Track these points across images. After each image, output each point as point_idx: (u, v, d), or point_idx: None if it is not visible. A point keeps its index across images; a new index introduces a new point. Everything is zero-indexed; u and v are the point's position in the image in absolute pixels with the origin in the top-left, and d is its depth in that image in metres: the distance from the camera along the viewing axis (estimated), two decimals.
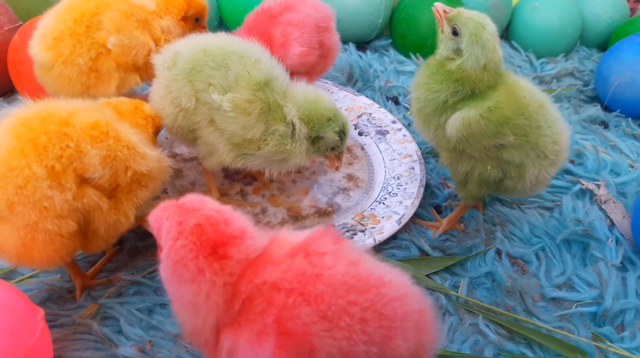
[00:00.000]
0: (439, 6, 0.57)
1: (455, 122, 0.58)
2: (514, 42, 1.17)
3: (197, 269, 0.38)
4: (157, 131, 0.60)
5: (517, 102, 0.56)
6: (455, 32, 0.56)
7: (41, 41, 0.65)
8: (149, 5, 0.71)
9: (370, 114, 0.87)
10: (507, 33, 1.19)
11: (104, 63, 0.66)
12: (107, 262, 0.61)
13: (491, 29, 0.57)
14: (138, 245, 0.63)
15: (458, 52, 0.56)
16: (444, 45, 0.57)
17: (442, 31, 0.57)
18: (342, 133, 0.62)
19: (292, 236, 0.42)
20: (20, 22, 0.85)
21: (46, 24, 0.65)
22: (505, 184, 0.60)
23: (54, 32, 0.64)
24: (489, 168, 0.59)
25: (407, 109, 0.93)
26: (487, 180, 0.60)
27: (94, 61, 0.66)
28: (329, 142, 0.62)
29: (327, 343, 0.36)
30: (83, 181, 0.49)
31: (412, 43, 1.05)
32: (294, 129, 0.59)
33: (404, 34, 1.06)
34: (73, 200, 0.48)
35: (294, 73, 0.70)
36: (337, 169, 0.67)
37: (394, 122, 0.85)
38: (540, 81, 1.08)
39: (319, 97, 0.62)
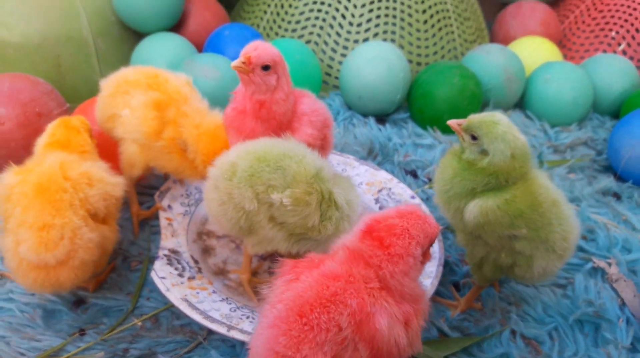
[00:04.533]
0: (452, 122, 0.63)
1: (474, 209, 0.62)
2: (528, 112, 1.22)
3: None
4: (91, 135, 0.73)
5: (533, 198, 0.61)
6: (474, 137, 0.62)
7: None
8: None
9: (390, 188, 0.92)
10: (521, 103, 1.25)
11: None
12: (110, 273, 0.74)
13: (504, 122, 0.62)
14: (175, 323, 0.69)
15: (484, 152, 0.61)
16: (469, 151, 0.63)
17: (464, 139, 0.62)
18: None
19: None
20: (68, 105, 0.93)
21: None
22: (515, 272, 0.64)
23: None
24: (502, 255, 0.63)
25: (425, 182, 0.98)
26: (500, 266, 0.65)
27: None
28: None
29: None
30: (92, 217, 0.64)
31: (429, 117, 1.11)
32: (344, 211, 0.65)
33: (422, 109, 1.12)
34: (96, 234, 0.63)
35: None
36: None
37: (413, 197, 0.90)
38: (555, 149, 1.13)
39: (352, 185, 0.69)
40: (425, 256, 0.52)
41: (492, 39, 1.50)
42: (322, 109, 0.77)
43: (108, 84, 0.78)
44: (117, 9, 1.12)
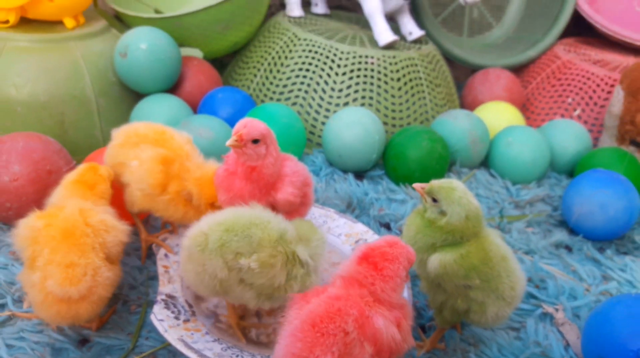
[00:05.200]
0: (417, 186, 0.74)
1: (435, 261, 0.73)
2: (492, 171, 1.34)
3: None
4: (112, 185, 0.83)
5: (484, 254, 0.72)
6: (434, 200, 0.73)
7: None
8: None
9: (366, 239, 1.02)
10: (486, 162, 1.38)
11: None
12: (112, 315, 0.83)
13: (460, 188, 0.74)
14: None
15: (443, 213, 0.72)
16: (430, 211, 0.74)
17: (426, 201, 0.73)
18: None
19: None
20: (74, 162, 1.03)
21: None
22: (471, 317, 0.74)
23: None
24: (459, 301, 0.73)
25: (397, 234, 1.08)
26: (457, 310, 0.75)
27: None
28: None
29: None
30: (107, 259, 0.74)
31: (402, 175, 1.23)
32: (309, 267, 0.73)
33: (395, 167, 1.24)
34: (112, 273, 0.74)
35: (279, 210, 0.82)
36: None
37: None
38: (516, 205, 1.24)
39: (314, 228, 0.78)
40: (406, 277, 0.66)
41: (462, 102, 1.65)
42: (302, 171, 0.87)
43: (119, 134, 0.88)
44: (119, 72, 1.24)
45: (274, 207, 0.82)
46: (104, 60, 1.24)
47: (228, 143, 0.76)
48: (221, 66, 1.66)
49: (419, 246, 0.74)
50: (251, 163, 0.78)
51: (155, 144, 0.86)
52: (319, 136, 1.37)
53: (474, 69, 1.74)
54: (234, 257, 0.69)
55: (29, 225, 0.73)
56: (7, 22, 1.18)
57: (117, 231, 0.76)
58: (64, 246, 0.71)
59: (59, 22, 1.24)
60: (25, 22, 1.21)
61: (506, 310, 0.73)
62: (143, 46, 1.20)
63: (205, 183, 0.86)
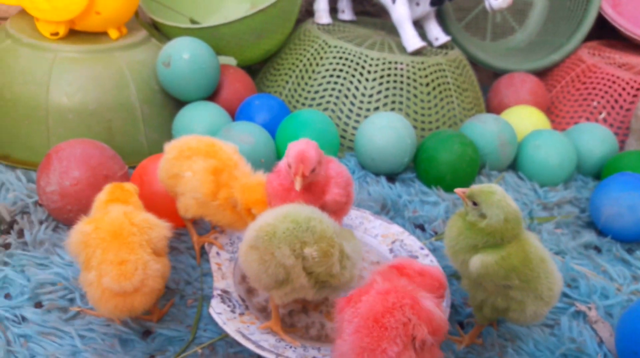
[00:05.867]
0: (458, 190, 0.79)
1: (477, 262, 0.77)
2: (520, 173, 1.38)
3: None
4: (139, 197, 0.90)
5: (524, 255, 0.76)
6: (475, 203, 0.77)
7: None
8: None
9: (402, 240, 1.07)
10: (514, 165, 1.41)
11: None
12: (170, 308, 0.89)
13: (499, 192, 0.78)
14: (229, 351, 0.82)
15: (483, 215, 0.77)
16: (471, 214, 0.78)
17: (467, 204, 0.78)
18: None
19: None
20: (127, 168, 1.09)
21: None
22: (510, 315, 0.79)
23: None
24: (499, 300, 0.78)
25: (432, 235, 1.13)
26: (497, 308, 0.79)
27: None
28: None
29: None
30: (154, 253, 0.79)
31: (433, 177, 1.28)
32: (352, 260, 0.79)
33: (427, 170, 1.28)
34: (160, 266, 0.79)
35: (327, 210, 0.86)
36: None
37: (422, 248, 1.04)
38: (544, 207, 1.28)
39: (353, 235, 0.84)
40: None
41: (488, 106, 1.68)
42: (344, 171, 0.93)
43: (172, 148, 0.94)
44: (162, 81, 1.30)
45: (322, 207, 0.87)
46: (146, 69, 1.30)
47: (297, 187, 0.81)
48: (250, 72, 1.71)
49: (461, 247, 0.79)
50: (312, 181, 0.85)
51: (206, 156, 0.92)
52: (350, 140, 1.42)
53: (496, 73, 1.78)
54: (300, 246, 0.74)
55: (79, 230, 0.80)
56: (57, 34, 1.25)
57: (160, 227, 0.83)
58: (114, 246, 0.77)
59: (104, 33, 1.30)
60: (73, 34, 1.28)
61: (544, 309, 0.77)
62: (185, 56, 1.25)
63: (245, 189, 0.91)
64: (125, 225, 0.80)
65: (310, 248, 0.74)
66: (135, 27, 1.39)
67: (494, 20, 1.93)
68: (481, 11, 1.91)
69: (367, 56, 1.42)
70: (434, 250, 1.07)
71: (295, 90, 1.48)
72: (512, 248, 0.76)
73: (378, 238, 1.08)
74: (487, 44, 1.92)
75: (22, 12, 1.33)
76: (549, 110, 1.69)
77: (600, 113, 1.60)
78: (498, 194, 0.77)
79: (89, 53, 1.25)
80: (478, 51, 1.74)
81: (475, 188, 0.78)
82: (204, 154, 0.92)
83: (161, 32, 1.48)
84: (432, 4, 1.48)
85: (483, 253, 0.77)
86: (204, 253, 1.01)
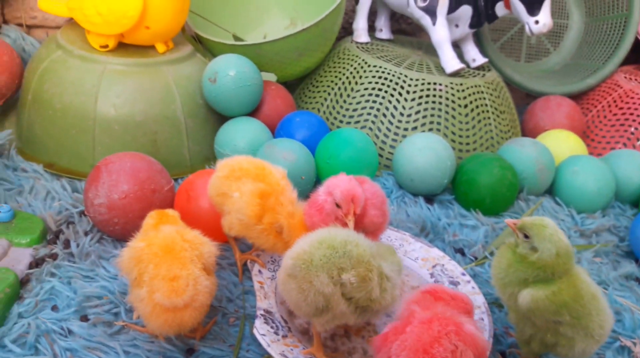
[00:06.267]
0: (509, 222, 0.80)
1: (526, 296, 0.77)
2: (557, 199, 1.38)
3: None
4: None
5: (576, 291, 0.76)
6: (526, 236, 0.77)
7: None
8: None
9: (443, 265, 1.07)
10: (551, 190, 1.41)
11: None
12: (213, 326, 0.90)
13: (551, 225, 0.78)
14: None
15: (534, 248, 0.77)
16: (522, 246, 0.78)
17: (518, 236, 0.78)
18: None
19: None
20: (173, 182, 1.10)
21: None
22: (558, 351, 0.79)
23: None
24: (548, 335, 0.78)
25: (472, 260, 1.13)
26: (545, 344, 0.79)
27: None
28: None
29: None
30: (204, 270, 0.80)
31: (472, 200, 1.28)
32: (393, 280, 0.79)
33: (466, 193, 1.29)
34: (210, 282, 0.80)
35: (364, 231, 0.88)
36: None
37: (463, 274, 1.04)
38: (581, 234, 1.28)
39: (393, 251, 0.84)
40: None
41: (523, 128, 1.68)
42: (378, 191, 0.94)
43: (224, 167, 0.95)
44: (207, 96, 1.32)
45: (359, 229, 0.88)
46: (192, 83, 1.32)
47: (350, 227, 0.83)
48: (287, 87, 1.72)
49: (510, 280, 0.79)
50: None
51: (255, 179, 0.93)
52: (388, 159, 1.43)
53: (528, 94, 1.78)
54: (338, 272, 0.74)
55: (132, 247, 0.82)
56: (106, 46, 1.27)
57: (209, 244, 0.84)
58: (166, 261, 0.78)
59: (151, 47, 1.33)
60: (121, 47, 1.30)
61: (593, 347, 0.77)
62: (231, 73, 1.27)
63: (298, 226, 0.92)
64: (178, 241, 0.81)
65: (347, 273, 0.74)
66: (181, 42, 1.42)
67: (529, 42, 1.93)
68: (516, 32, 1.91)
69: (406, 76, 1.43)
70: (474, 276, 1.08)
71: (334, 107, 1.49)
72: (563, 284, 0.76)
73: (418, 261, 1.08)
74: (522, 66, 1.92)
75: (72, 24, 1.36)
76: (585, 134, 1.69)
77: (638, 139, 1.59)
78: (550, 228, 0.77)
79: (137, 66, 1.27)
80: (514, 73, 1.74)
81: (527, 220, 0.79)
82: (253, 176, 0.93)
83: (205, 47, 1.51)
84: (472, 26, 1.49)
85: (533, 288, 0.77)
86: (246, 270, 1.02)
